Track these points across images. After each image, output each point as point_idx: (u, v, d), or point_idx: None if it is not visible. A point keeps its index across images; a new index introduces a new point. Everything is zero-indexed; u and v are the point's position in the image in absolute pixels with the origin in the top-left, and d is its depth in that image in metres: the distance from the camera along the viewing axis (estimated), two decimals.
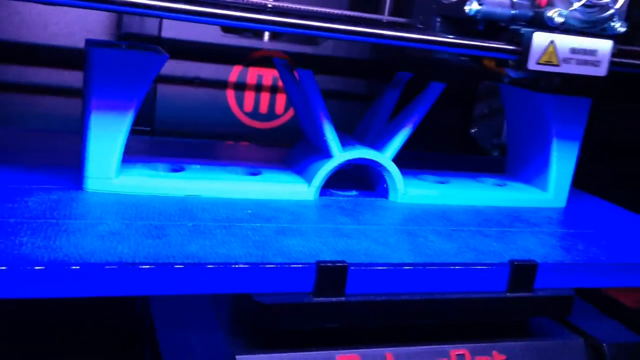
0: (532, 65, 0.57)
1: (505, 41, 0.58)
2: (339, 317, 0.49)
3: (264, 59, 0.86)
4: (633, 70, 0.64)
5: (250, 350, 0.49)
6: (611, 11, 0.58)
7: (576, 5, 0.56)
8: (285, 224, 0.55)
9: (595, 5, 0.57)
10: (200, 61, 0.84)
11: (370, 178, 0.67)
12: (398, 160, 0.65)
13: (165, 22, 0.80)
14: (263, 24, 0.53)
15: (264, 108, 0.88)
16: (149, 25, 0.80)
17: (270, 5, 0.58)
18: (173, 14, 0.50)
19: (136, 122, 0.58)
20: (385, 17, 0.71)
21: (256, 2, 0.57)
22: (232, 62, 0.85)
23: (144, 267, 0.44)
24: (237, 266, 0.46)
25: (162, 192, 0.58)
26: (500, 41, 0.58)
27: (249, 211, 0.57)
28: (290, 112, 0.89)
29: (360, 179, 0.68)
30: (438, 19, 0.60)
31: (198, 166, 0.62)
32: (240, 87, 0.86)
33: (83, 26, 0.80)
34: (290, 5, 0.60)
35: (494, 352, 0.54)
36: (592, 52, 0.58)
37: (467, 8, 0.56)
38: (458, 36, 0.58)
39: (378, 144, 0.66)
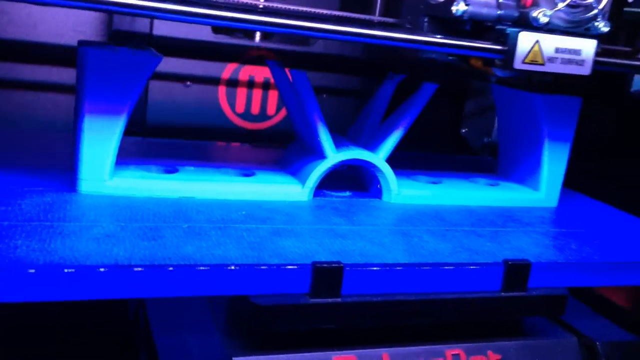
0: (518, 64, 0.57)
1: (492, 41, 0.58)
2: (335, 317, 0.49)
3: (256, 59, 0.86)
4: (616, 69, 0.65)
5: (247, 351, 0.49)
6: (595, 11, 0.58)
7: (560, 5, 0.57)
8: (280, 225, 0.55)
9: (579, 5, 0.58)
10: (192, 58, 0.83)
11: (364, 179, 0.67)
12: (391, 160, 0.65)
13: (157, 20, 0.79)
14: (254, 25, 0.52)
15: (255, 109, 0.88)
16: (140, 24, 0.79)
17: (261, 6, 0.58)
18: (163, 14, 0.50)
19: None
20: (377, 18, 0.71)
21: (247, 3, 0.57)
22: (224, 59, 0.85)
23: (139, 269, 0.44)
24: (233, 268, 0.46)
25: (156, 193, 0.58)
26: (487, 41, 0.58)
27: (244, 212, 0.57)
28: (282, 113, 0.89)
29: (354, 180, 0.68)
30: (426, 19, 0.60)
31: (192, 167, 0.62)
32: (232, 87, 0.86)
33: (73, 23, 0.79)
34: (281, 5, 0.60)
35: (489, 352, 0.55)
36: (577, 52, 0.59)
37: (454, 8, 0.57)
38: (445, 36, 0.58)
39: (371, 145, 0.66)
